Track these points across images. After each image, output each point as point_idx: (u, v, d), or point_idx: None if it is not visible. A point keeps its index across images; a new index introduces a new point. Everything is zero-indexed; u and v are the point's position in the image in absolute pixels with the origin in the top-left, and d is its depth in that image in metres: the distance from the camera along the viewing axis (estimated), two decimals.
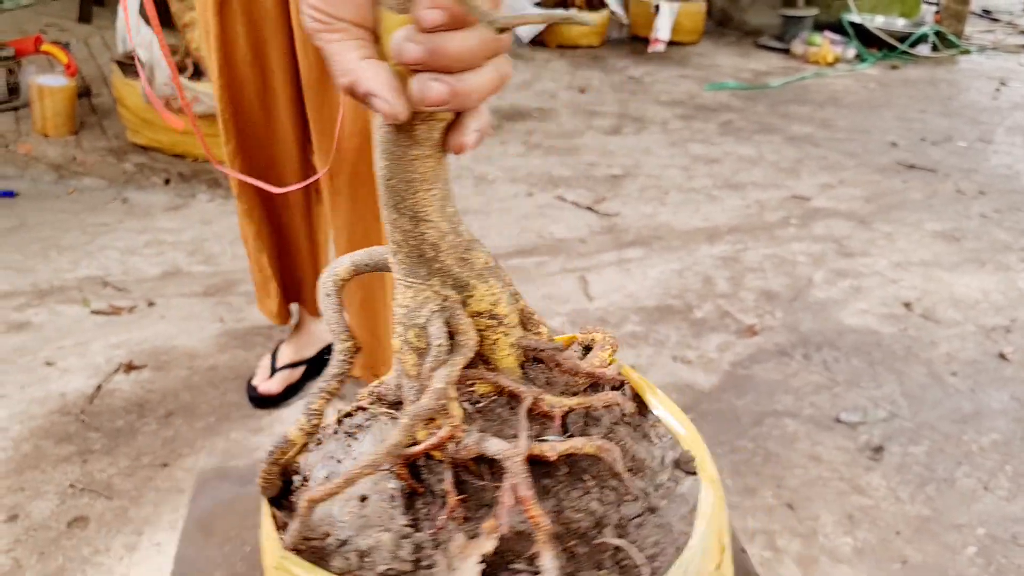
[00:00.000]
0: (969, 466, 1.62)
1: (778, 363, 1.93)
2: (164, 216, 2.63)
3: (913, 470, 1.61)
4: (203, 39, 1.51)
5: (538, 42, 4.71)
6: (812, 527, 1.47)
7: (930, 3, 5.68)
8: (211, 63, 1.49)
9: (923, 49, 4.82)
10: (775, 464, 1.62)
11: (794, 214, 2.73)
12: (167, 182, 2.78)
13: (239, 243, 2.45)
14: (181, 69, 2.72)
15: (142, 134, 2.83)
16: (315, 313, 1.76)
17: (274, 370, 1.77)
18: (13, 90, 3.01)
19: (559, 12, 0.43)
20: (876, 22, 4.90)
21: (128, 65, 2.86)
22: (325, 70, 1.36)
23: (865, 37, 4.79)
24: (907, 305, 2.19)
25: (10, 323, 2.03)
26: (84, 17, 3.93)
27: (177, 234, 2.51)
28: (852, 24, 4.81)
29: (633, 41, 4.95)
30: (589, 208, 2.73)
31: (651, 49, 4.57)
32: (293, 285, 1.71)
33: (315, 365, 1.80)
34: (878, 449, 1.67)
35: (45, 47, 2.91)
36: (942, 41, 4.86)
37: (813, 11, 4.91)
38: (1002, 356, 1.97)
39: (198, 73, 2.78)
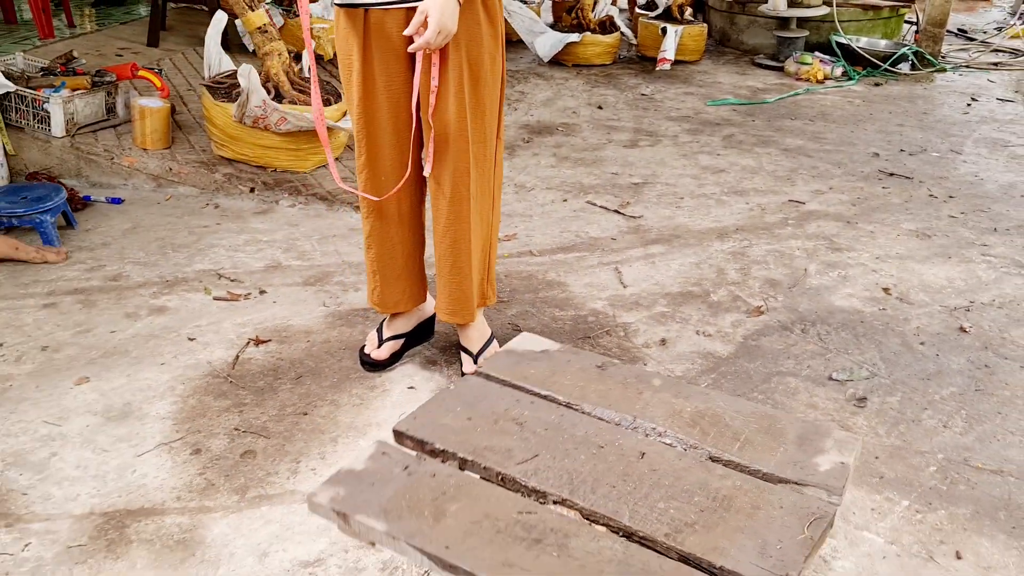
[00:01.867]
0: (932, 411, 2.08)
1: (781, 336, 2.39)
2: (255, 219, 3.07)
3: (889, 414, 2.07)
4: (344, 75, 1.94)
5: (556, 61, 5.17)
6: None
7: (911, 23, 6.18)
8: (351, 94, 1.91)
9: (903, 67, 5.31)
10: (781, 410, 2.07)
11: (791, 216, 3.19)
12: (252, 190, 3.23)
13: (326, 241, 2.91)
14: None
15: (228, 148, 3.27)
16: (419, 302, 2.19)
17: (381, 341, 2.21)
18: (110, 110, 3.44)
19: None
20: (860, 43, 5.39)
21: (215, 88, 3.31)
22: (430, 88, 1.82)
23: (851, 56, 5.27)
24: (886, 290, 2.65)
25: (151, 307, 2.47)
26: (152, 42, 4.37)
27: (270, 234, 2.95)
28: (839, 44, 5.30)
29: (641, 60, 5.43)
30: (616, 211, 3.19)
31: (659, 67, 5.03)
32: (396, 280, 2.13)
33: (413, 337, 2.25)
34: (862, 399, 2.12)
35: (141, 73, 3.35)
36: (920, 60, 5.35)
37: (804, 33, 5.39)
38: (962, 329, 2.44)
39: (279, 97, 3.22)
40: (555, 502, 1.00)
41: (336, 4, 1.85)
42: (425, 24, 1.70)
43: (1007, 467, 1.88)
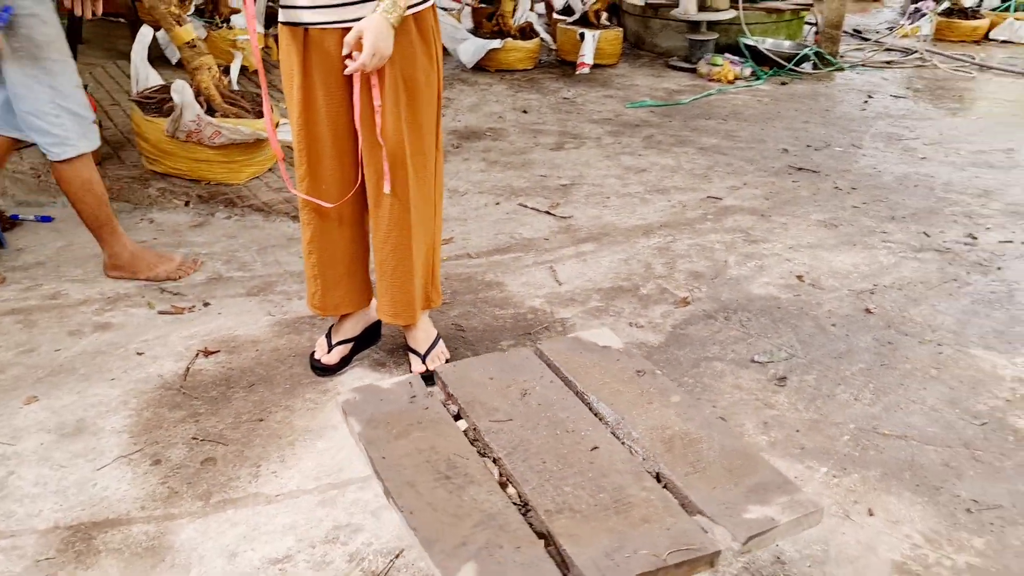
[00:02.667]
0: (844, 386, 2.29)
1: (706, 324, 2.57)
2: (191, 232, 3.08)
3: (806, 391, 2.26)
4: (286, 88, 2.01)
5: (479, 67, 5.29)
6: (739, 431, 2.10)
7: (811, 24, 6.54)
8: (292, 106, 1.99)
9: (806, 67, 5.64)
10: (710, 392, 2.24)
11: (710, 212, 3.40)
12: (187, 204, 3.24)
13: (266, 252, 2.95)
14: None
15: (161, 163, 3.27)
16: (361, 305, 2.28)
17: (331, 346, 2.28)
18: None
19: None
20: (766, 44, 5.69)
21: (145, 104, 3.30)
22: (372, 105, 1.90)
23: (758, 57, 5.56)
24: (799, 277, 2.87)
25: (95, 324, 2.48)
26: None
27: (209, 247, 2.97)
28: (747, 46, 5.58)
29: (561, 64, 5.60)
30: (547, 212, 3.34)
31: (578, 71, 5.21)
32: (337, 283, 2.20)
33: (361, 341, 2.33)
34: (782, 379, 2.31)
35: None
36: (821, 60, 5.69)
37: (714, 35, 5.66)
38: (867, 311, 2.66)
39: (211, 110, 3.24)
40: (493, 459, 1.12)
41: (280, 22, 1.92)
42: (359, 46, 1.79)
43: (910, 432, 2.09)
